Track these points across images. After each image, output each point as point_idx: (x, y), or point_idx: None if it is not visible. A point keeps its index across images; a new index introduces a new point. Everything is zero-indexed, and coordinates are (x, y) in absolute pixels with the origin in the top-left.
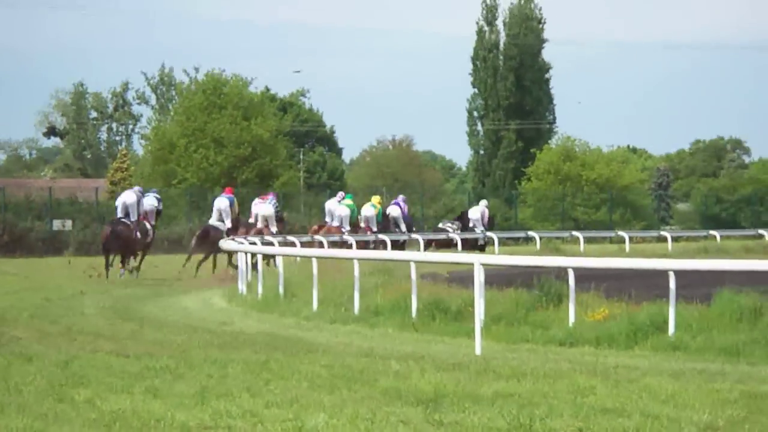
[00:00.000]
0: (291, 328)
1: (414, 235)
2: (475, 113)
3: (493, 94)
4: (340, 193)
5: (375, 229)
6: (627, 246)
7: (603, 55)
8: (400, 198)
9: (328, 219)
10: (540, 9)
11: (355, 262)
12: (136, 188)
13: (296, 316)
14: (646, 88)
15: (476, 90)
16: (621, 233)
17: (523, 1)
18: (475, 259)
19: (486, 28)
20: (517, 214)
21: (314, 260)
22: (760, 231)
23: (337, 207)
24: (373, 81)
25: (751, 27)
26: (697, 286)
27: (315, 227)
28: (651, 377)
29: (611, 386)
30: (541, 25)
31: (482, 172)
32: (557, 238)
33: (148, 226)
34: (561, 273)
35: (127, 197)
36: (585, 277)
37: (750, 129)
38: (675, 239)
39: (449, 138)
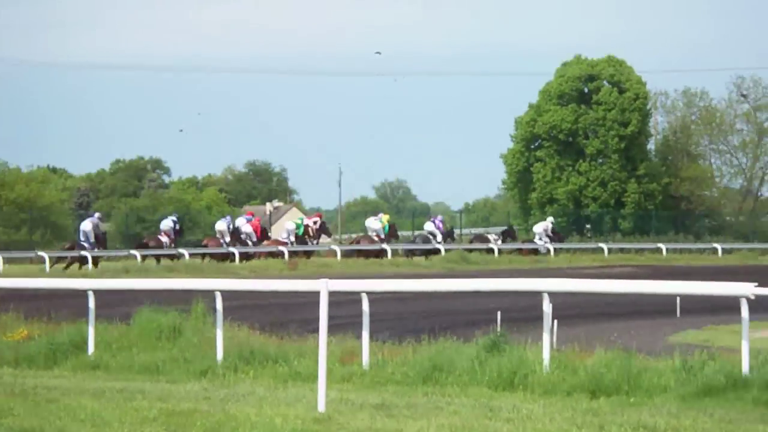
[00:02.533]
0: None
1: (453, 246)
2: None
3: None
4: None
5: (382, 237)
6: (47, 266)
7: (13, 76)
8: (438, 217)
9: (284, 235)
10: None
11: None
12: (95, 215)
13: None
14: (66, 107)
15: None
16: (41, 253)
17: None
18: None
19: None
20: None
21: None
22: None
23: (288, 223)
24: None
25: (174, 49)
26: (117, 306)
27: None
28: (71, 397)
29: (30, 407)
30: None
31: None
32: None
33: (164, 239)
34: None
35: (83, 224)
36: (3, 298)
37: (169, 149)
38: (95, 260)
39: None
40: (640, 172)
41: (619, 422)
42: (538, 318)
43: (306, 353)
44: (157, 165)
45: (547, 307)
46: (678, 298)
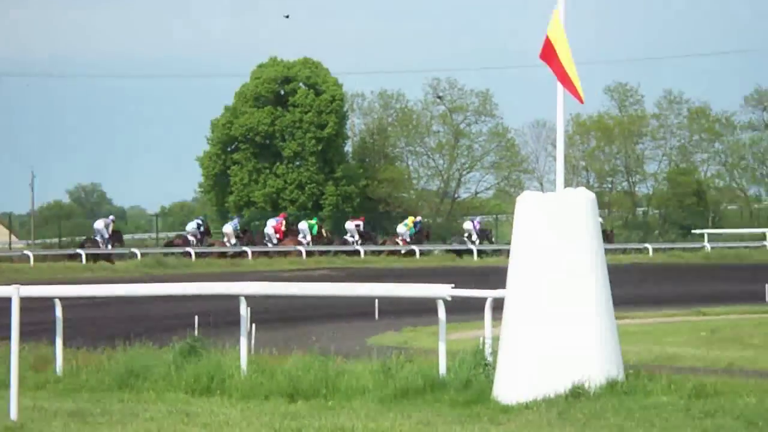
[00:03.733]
0: None
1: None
2: None
3: None
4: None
5: (408, 240)
6: None
7: None
8: (477, 219)
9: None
10: None
11: None
12: (110, 217)
13: None
14: None
15: None
16: None
17: None
18: None
19: None
20: None
21: None
22: None
23: (301, 223)
24: None
25: None
26: None
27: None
28: None
29: None
30: None
31: None
32: None
33: (191, 239)
34: None
35: (97, 223)
36: None
37: None
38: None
39: None
40: (338, 175)
41: (317, 426)
42: (237, 322)
43: None
44: None
45: (244, 310)
46: (376, 300)
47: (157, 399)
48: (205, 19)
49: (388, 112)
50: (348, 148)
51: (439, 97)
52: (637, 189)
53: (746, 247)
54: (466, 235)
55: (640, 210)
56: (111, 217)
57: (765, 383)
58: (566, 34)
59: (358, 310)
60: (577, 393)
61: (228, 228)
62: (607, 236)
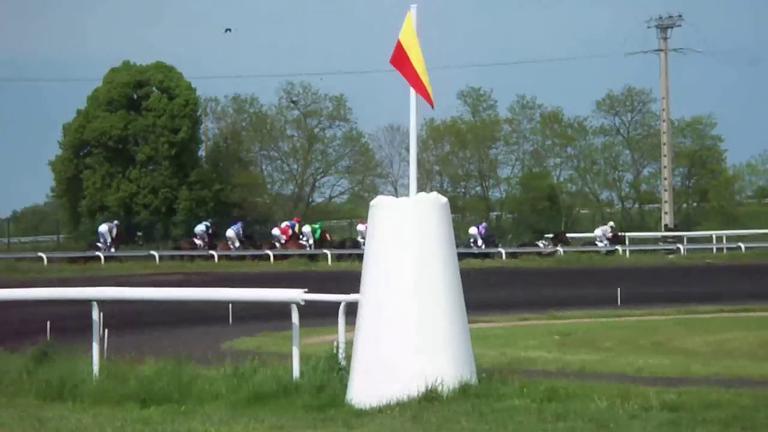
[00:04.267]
0: None
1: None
2: None
3: None
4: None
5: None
6: None
7: None
8: (482, 224)
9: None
10: None
11: None
12: (114, 222)
13: None
14: None
15: None
16: None
17: None
18: None
19: None
20: None
21: None
22: None
23: (305, 227)
24: None
25: None
26: None
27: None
28: None
29: None
30: None
31: None
32: None
33: (197, 242)
34: None
35: (101, 227)
36: None
37: None
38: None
39: None
40: (192, 179)
41: (169, 430)
42: (91, 327)
43: None
44: None
45: (96, 315)
46: (230, 305)
47: (8, 404)
48: (56, 22)
49: (242, 117)
50: (202, 152)
51: (293, 102)
52: (490, 193)
53: (599, 251)
54: (471, 240)
55: (493, 214)
56: (115, 222)
57: (616, 386)
58: (418, 39)
59: (213, 315)
60: (430, 397)
61: (231, 232)
62: (618, 239)
